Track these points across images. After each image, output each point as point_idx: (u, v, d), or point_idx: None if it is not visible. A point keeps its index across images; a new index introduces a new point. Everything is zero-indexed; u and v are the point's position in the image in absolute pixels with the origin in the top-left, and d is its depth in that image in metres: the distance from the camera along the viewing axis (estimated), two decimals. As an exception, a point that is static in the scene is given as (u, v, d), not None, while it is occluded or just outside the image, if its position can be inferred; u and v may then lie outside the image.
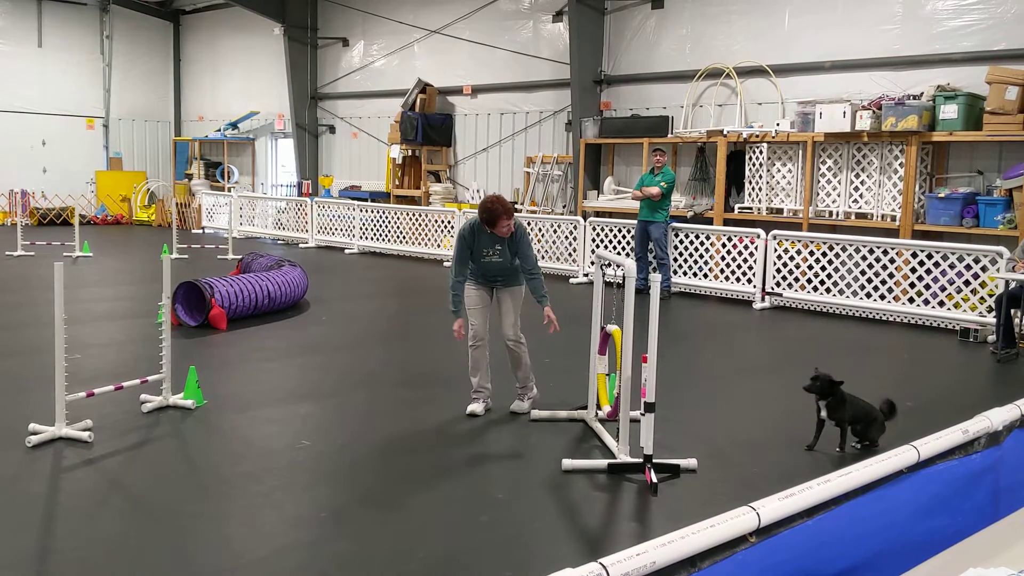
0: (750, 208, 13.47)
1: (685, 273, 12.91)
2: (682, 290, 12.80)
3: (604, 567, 1.92)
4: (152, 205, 23.24)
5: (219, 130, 23.56)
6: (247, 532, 4.40)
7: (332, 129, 21.94)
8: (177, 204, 21.01)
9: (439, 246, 16.36)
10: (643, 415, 5.19)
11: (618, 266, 5.51)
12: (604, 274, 6.16)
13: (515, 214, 6.50)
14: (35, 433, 5.55)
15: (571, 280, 14.07)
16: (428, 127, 18.53)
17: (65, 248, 15.83)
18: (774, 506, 2.54)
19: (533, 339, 9.33)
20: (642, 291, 5.30)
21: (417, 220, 16.80)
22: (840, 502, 2.71)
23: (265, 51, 22.65)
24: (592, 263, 13.82)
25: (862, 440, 5.93)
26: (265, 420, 6.29)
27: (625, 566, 1.94)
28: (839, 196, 12.61)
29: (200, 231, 20.89)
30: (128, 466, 5.23)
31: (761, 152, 13.27)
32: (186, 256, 15.67)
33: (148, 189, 23.86)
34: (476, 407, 6.53)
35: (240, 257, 13.27)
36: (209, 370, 7.46)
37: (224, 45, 24.32)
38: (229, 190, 22.58)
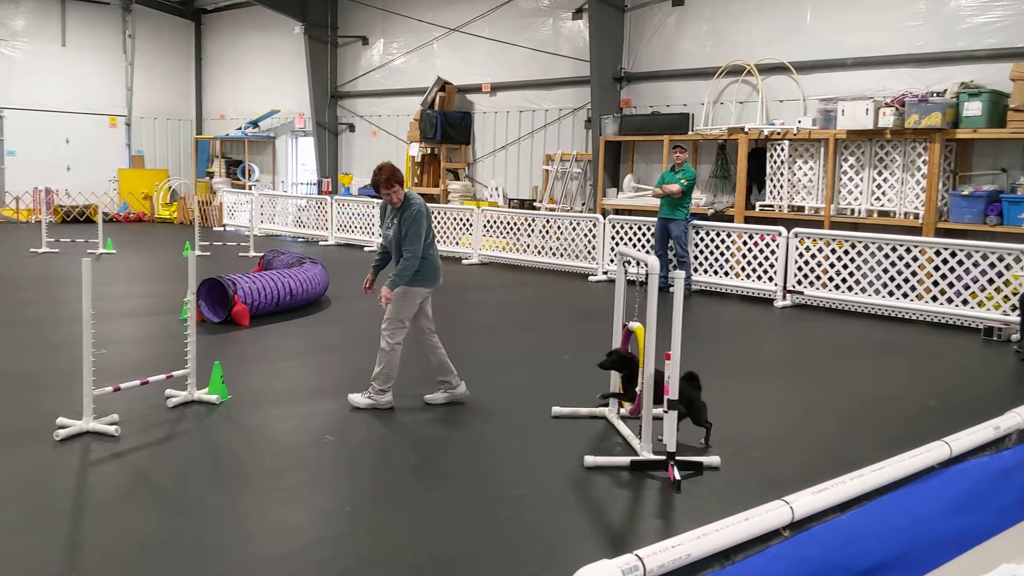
0: (771, 206, 13.40)
1: (705, 271, 12.87)
2: (702, 288, 12.76)
3: (640, 558, 1.93)
4: (174, 203, 23.40)
5: (240, 128, 23.68)
6: (272, 527, 4.43)
7: (352, 127, 22.01)
8: (199, 202, 21.16)
9: (457, 244, 16.38)
10: (666, 412, 5.18)
11: (641, 263, 5.50)
12: (626, 271, 6.15)
13: (406, 190, 6.34)
14: (63, 427, 5.61)
15: (590, 278, 14.06)
16: (447, 125, 18.56)
17: (89, 245, 15.97)
18: (807, 500, 2.54)
19: (550, 334, 9.32)
20: (662, 289, 5.29)
21: (436, 218, 16.82)
22: (872, 497, 2.70)
23: (286, 50, 22.75)
24: (612, 260, 13.83)
25: (698, 425, 5.84)
26: (288, 416, 6.33)
27: (660, 558, 1.95)
28: (861, 194, 12.53)
29: (221, 228, 21.02)
30: (154, 460, 5.27)
31: (783, 149, 13.21)
32: (208, 253, 15.77)
33: (170, 187, 24.02)
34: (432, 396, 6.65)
35: (262, 254, 13.34)
36: (232, 366, 7.51)
37: (245, 44, 24.45)
38: (250, 188, 22.69)
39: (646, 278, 5.36)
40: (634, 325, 5.74)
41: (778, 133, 13.22)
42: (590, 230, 14.45)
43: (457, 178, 19.11)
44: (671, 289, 5.16)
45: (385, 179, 6.28)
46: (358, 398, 6.53)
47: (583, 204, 16.59)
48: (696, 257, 12.90)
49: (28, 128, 22.81)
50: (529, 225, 15.43)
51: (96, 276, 5.65)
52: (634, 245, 13.76)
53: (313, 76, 21.59)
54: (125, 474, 5.03)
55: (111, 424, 5.69)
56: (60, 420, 5.69)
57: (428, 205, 6.60)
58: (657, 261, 5.35)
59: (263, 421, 6.18)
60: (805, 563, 1.98)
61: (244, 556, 4.08)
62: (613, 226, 14.06)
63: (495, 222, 15.88)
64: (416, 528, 4.42)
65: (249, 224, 17.76)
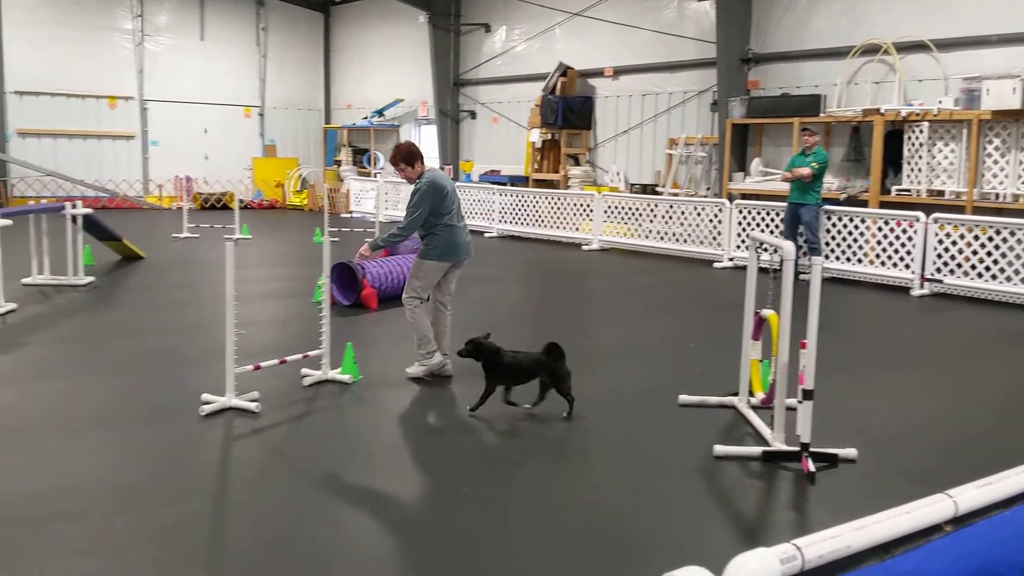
0: (908, 190, 12.82)
1: (837, 258, 12.42)
2: (833, 276, 12.32)
3: (798, 548, 1.87)
4: (304, 190, 24.20)
5: (366, 118, 24.27)
6: (399, 499, 4.54)
7: (473, 114, 22.24)
8: (327, 189, 21.82)
9: (577, 230, 16.33)
10: (801, 402, 5.03)
11: (775, 249, 5.35)
12: (759, 257, 5.99)
13: (429, 167, 6.62)
14: (207, 403, 5.89)
15: (715, 264, 13.79)
16: (568, 110, 18.51)
17: (226, 231, 16.70)
18: (972, 494, 2.42)
19: (675, 322, 9.22)
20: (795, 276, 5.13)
21: (556, 204, 16.82)
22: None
23: (410, 39, 23.16)
24: (739, 247, 13.52)
25: (562, 395, 5.91)
26: (415, 396, 6.46)
27: (819, 548, 1.89)
28: (1007, 177, 11.84)
29: (348, 215, 21.61)
30: (291, 436, 5.48)
31: (921, 131, 12.60)
32: (337, 239, 16.24)
33: (300, 175, 24.85)
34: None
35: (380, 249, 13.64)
36: (362, 347, 7.72)
37: (371, 34, 25.02)
38: (375, 176, 23.25)
39: (780, 264, 5.20)
40: (767, 312, 5.59)
41: (916, 114, 12.62)
42: (715, 215, 14.16)
43: (578, 163, 19.04)
44: (801, 277, 5.00)
45: (399, 157, 6.62)
46: (412, 369, 6.83)
47: (708, 189, 16.27)
48: (827, 243, 12.46)
49: (170, 119, 24.01)
50: (651, 210, 15.24)
51: (234, 260, 5.89)
52: (762, 231, 13.40)
53: (436, 64, 21.90)
54: (265, 449, 5.24)
55: (252, 401, 5.95)
56: (204, 396, 5.98)
57: (452, 182, 6.91)
58: (793, 246, 5.19)
59: (392, 401, 6.33)
60: (968, 559, 1.88)
61: (376, 529, 4.19)
62: (740, 211, 13.74)
63: (616, 208, 15.76)
64: (540, 511, 4.44)
65: (374, 210, 18.20)
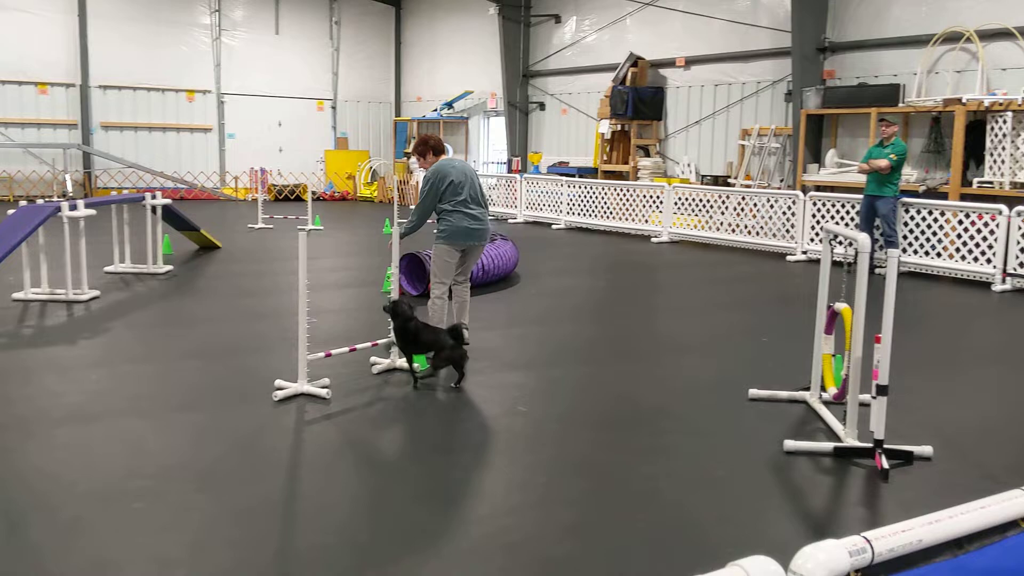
0: (990, 183, 12.40)
1: (915, 252, 12.08)
2: (911, 270, 12.00)
3: (868, 541, 1.84)
4: (374, 182, 24.52)
5: (436, 110, 24.45)
6: (470, 491, 4.58)
7: (542, 106, 22.21)
8: (397, 181, 22.06)
9: (647, 221, 16.20)
10: (874, 398, 4.92)
11: (849, 241, 5.23)
12: (832, 250, 5.86)
13: (444, 158, 7.12)
14: (280, 388, 6.03)
15: (788, 258, 13.55)
16: (639, 101, 18.36)
17: (299, 222, 17.02)
18: (1050, 492, 2.33)
19: (747, 315, 9.13)
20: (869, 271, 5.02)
21: (625, 195, 16.71)
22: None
23: (480, 31, 23.24)
24: (812, 240, 13.25)
25: (435, 367, 6.39)
26: (482, 385, 6.50)
27: (890, 542, 1.85)
28: (1099, 168, 11.35)
29: (417, 206, 21.79)
30: (361, 423, 5.57)
31: (1005, 122, 12.17)
32: (398, 229, 16.40)
33: (371, 167, 25.18)
34: None
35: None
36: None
37: (441, 27, 25.17)
38: (444, 167, 23.38)
39: (855, 257, 5.09)
40: (840, 306, 5.47)
41: (1000, 104, 12.19)
42: (789, 207, 13.90)
43: (647, 155, 18.88)
44: (877, 270, 4.89)
45: (414, 151, 7.21)
46: None
47: (781, 180, 15.98)
48: (905, 237, 12.14)
49: (245, 112, 24.55)
50: (723, 202, 15.04)
51: (307, 250, 6.01)
52: (836, 224, 13.12)
53: (506, 56, 21.93)
54: (335, 434, 5.34)
55: (323, 388, 6.06)
56: (277, 382, 6.12)
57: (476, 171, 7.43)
58: (868, 238, 5.06)
59: (459, 390, 6.38)
60: (1046, 559, 1.82)
61: (444, 518, 4.23)
62: (814, 203, 13.46)
63: (686, 199, 15.59)
64: (612, 503, 4.44)
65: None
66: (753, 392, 6.21)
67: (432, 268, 7.15)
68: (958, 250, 11.69)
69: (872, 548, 1.85)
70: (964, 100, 12.56)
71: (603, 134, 19.17)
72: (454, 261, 7.11)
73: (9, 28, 21.32)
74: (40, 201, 9.77)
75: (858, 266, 5.04)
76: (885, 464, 4.80)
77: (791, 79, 15.56)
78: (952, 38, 13.43)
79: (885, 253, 11.38)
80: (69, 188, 20.89)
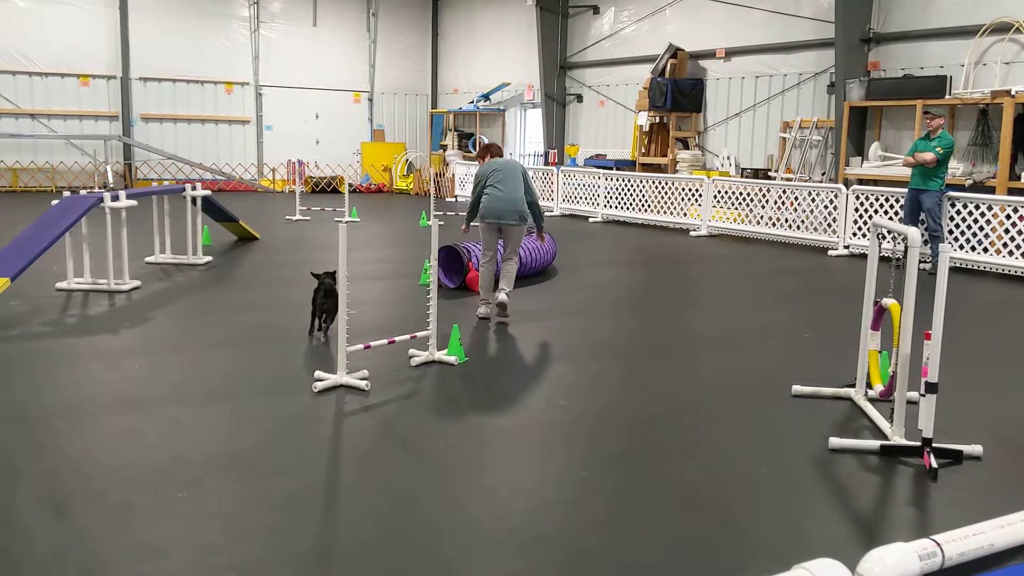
0: (1040, 176, 12.11)
1: (961, 247, 11.84)
2: (957, 265, 11.76)
3: (938, 544, 1.77)
4: (410, 174, 24.55)
5: (472, 102, 24.42)
6: (509, 484, 4.54)
7: (580, 98, 22.09)
8: (433, 173, 22.07)
9: (685, 215, 16.05)
10: (923, 396, 4.81)
11: (899, 236, 5.11)
12: (880, 244, 5.74)
13: (492, 159, 8.64)
14: (320, 379, 6.03)
15: (830, 252, 13.35)
16: (678, 93, 18.19)
17: (336, 214, 17.08)
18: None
19: (789, 310, 9.04)
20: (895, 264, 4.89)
21: (663, 188, 16.57)
22: None
23: (517, 23, 23.15)
24: (854, 235, 13.04)
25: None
26: (521, 379, 6.46)
27: (960, 545, 1.78)
28: None
29: (453, 199, 21.82)
30: (400, 415, 5.55)
31: (1056, 114, 11.87)
32: (442, 223, 16.38)
33: (407, 159, 25.22)
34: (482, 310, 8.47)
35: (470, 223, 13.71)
36: (467, 329, 7.80)
37: (478, 18, 25.12)
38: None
39: (904, 252, 4.97)
40: (888, 302, 5.35)
41: (1052, 96, 11.89)
42: (831, 201, 13.69)
43: (687, 147, 18.70)
44: (921, 265, 4.77)
45: (476, 154, 9.12)
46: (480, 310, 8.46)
47: (823, 174, 15.75)
48: (951, 231, 11.90)
49: (283, 104, 24.70)
50: (763, 196, 14.86)
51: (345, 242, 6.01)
52: (881, 218, 12.89)
53: (543, 48, 21.83)
54: (375, 426, 5.33)
55: (362, 379, 6.06)
56: (317, 374, 6.12)
57: (523, 165, 9.08)
58: (918, 233, 4.95)
59: (498, 383, 6.35)
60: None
61: (483, 510, 4.20)
62: (857, 197, 13.25)
63: (726, 192, 15.42)
64: (653, 499, 4.38)
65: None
66: (796, 388, 6.11)
67: (481, 245, 8.57)
68: (1005, 245, 11.44)
69: (943, 552, 1.78)
70: (1013, 92, 12.27)
71: (641, 126, 19.02)
72: (492, 236, 8.39)
73: (52, 21, 21.63)
74: (83, 192, 9.87)
75: (908, 261, 4.92)
76: (934, 463, 4.69)
77: (834, 71, 15.32)
78: (1001, 29, 13.12)
79: (930, 248, 11.16)
80: (110, 179, 21.17)
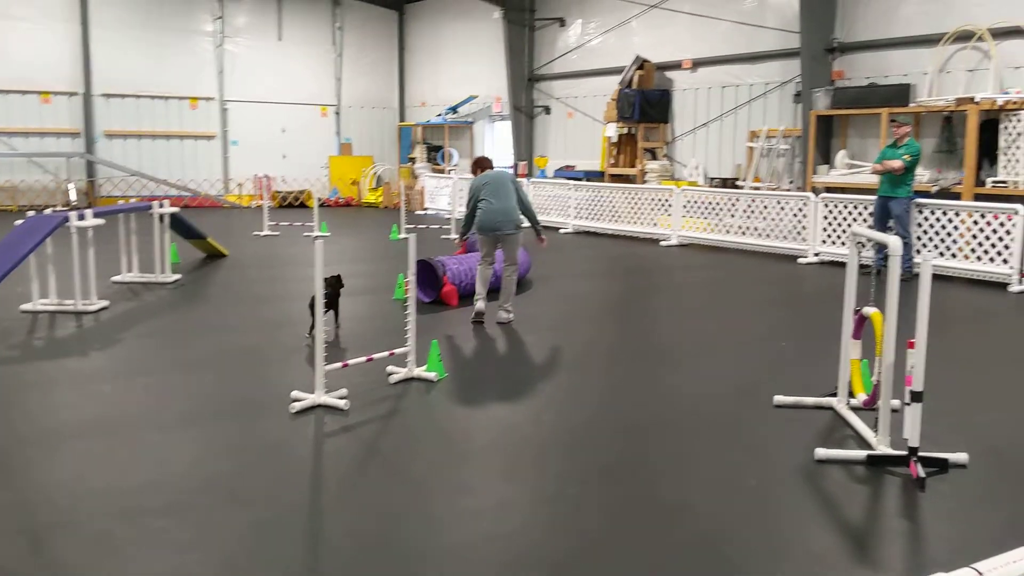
0: (1004, 182, 12.28)
1: (929, 252, 11.94)
2: (925, 271, 11.87)
3: (979, 572, 1.73)
4: (379, 188, 24.42)
5: (440, 115, 24.36)
6: (497, 504, 4.47)
7: (548, 110, 22.12)
8: (403, 186, 21.97)
9: (655, 225, 16.10)
10: (908, 404, 4.81)
11: (874, 245, 5.13)
12: (860, 253, 5.76)
13: (485, 171, 9.11)
14: (297, 400, 5.92)
15: (799, 260, 13.44)
16: (645, 103, 18.26)
17: (305, 229, 16.92)
18: None
19: (763, 319, 9.06)
20: (880, 273, 4.90)
21: (633, 198, 16.61)
22: None
23: (484, 35, 23.15)
24: (824, 241, 13.13)
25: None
26: (502, 394, 6.40)
27: (1000, 573, 1.74)
28: (1115, 167, 11.24)
29: (423, 212, 21.72)
30: (382, 434, 5.46)
31: (1019, 121, 12.05)
32: (408, 236, 16.29)
33: (375, 173, 25.08)
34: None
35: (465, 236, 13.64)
36: (445, 344, 7.71)
37: (445, 31, 25.08)
38: (449, 173, 23.32)
39: (885, 260, 4.98)
40: (870, 311, 5.36)
41: (1014, 103, 12.08)
42: (800, 209, 13.80)
43: (655, 157, 18.77)
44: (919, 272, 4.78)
45: (471, 168, 9.53)
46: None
47: (791, 182, 15.87)
48: (919, 238, 12.02)
49: (249, 119, 24.45)
50: (732, 205, 14.93)
51: (312, 257, 5.92)
52: (849, 225, 13.01)
53: (511, 60, 21.84)
54: (356, 446, 5.23)
55: (341, 399, 5.95)
56: (294, 394, 6.01)
57: (519, 178, 9.70)
58: (900, 242, 4.97)
59: (479, 398, 6.28)
60: None
61: (474, 533, 4.13)
62: (825, 205, 13.36)
63: (695, 202, 15.48)
64: (643, 514, 4.33)
65: (449, 207, 18.23)
66: (778, 399, 6.10)
67: (480, 251, 9.10)
68: (973, 251, 11.58)
69: (985, 581, 1.75)
70: (977, 99, 12.45)
71: (610, 137, 19.06)
72: (491, 246, 8.83)
73: (10, 37, 21.24)
74: (48, 211, 9.67)
75: (890, 269, 4.94)
76: (921, 473, 4.70)
77: (800, 80, 15.46)
78: (963, 37, 13.33)
79: (902, 255, 11.25)
80: (73, 197, 20.82)
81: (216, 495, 4.48)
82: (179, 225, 12.24)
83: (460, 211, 19.50)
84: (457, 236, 9.32)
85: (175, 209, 11.45)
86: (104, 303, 9.38)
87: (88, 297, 9.28)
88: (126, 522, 4.13)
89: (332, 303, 8.07)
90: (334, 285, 8.06)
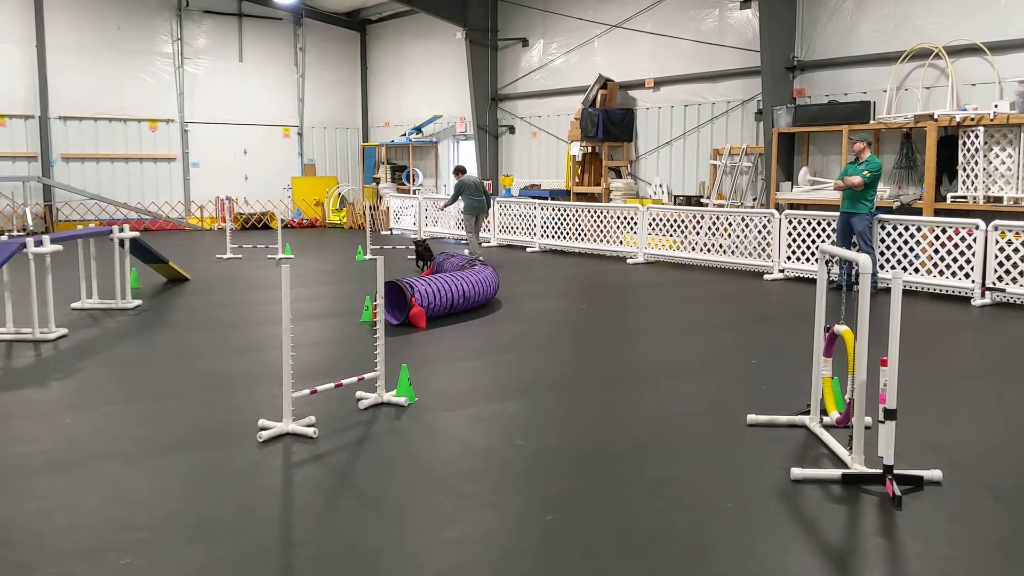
0: (964, 197, 12.49)
1: (892, 267, 12.12)
2: (888, 286, 11.99)
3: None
4: (343, 208, 24.26)
5: (404, 135, 24.31)
6: (473, 533, 4.38)
7: (512, 129, 22.16)
8: (368, 207, 21.85)
9: (621, 243, 16.14)
10: (883, 422, 4.81)
11: (843, 263, 5.14)
12: (829, 271, 5.78)
13: (466, 175, 15.45)
14: (265, 428, 5.79)
15: (765, 276, 13.53)
16: (609, 123, 18.36)
17: (268, 251, 16.72)
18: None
19: (731, 337, 9.09)
20: (848, 287, 4.90)
21: (598, 217, 16.66)
22: None
23: (447, 55, 23.17)
24: (789, 258, 13.24)
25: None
26: (475, 418, 6.32)
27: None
28: (1070, 181, 11.47)
29: (388, 232, 21.60)
30: (353, 462, 5.35)
31: (977, 136, 12.28)
32: (380, 257, 16.19)
33: (339, 193, 24.93)
34: None
35: (427, 262, 13.63)
36: (414, 367, 7.61)
37: (408, 52, 25.08)
38: (414, 192, 23.24)
39: (855, 277, 5.00)
40: (841, 328, 5.37)
41: (971, 119, 12.30)
42: (764, 226, 13.91)
43: (619, 176, 18.87)
44: (856, 288, 4.80)
45: (455, 172, 15.58)
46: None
47: (754, 199, 16.02)
48: (882, 253, 12.17)
49: (210, 141, 24.24)
50: (697, 222, 15.02)
51: (277, 280, 5.80)
52: (813, 241, 13.14)
53: (474, 80, 21.87)
54: (327, 476, 5.12)
55: (309, 426, 5.84)
56: (262, 422, 5.88)
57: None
58: (869, 259, 4.98)
59: (451, 423, 6.19)
60: None
61: (451, 564, 4.04)
62: (789, 221, 13.48)
63: (660, 220, 15.56)
64: (619, 540, 4.27)
65: (414, 227, 18.15)
66: (751, 418, 6.09)
67: (464, 225, 15.32)
68: (935, 265, 11.73)
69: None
70: (936, 116, 12.66)
71: (574, 156, 19.14)
72: (472, 221, 15.17)
73: (-35, 59, 20.87)
74: (4, 237, 9.43)
75: (861, 286, 4.95)
76: (897, 491, 4.69)
77: (761, 98, 15.64)
78: (921, 55, 13.57)
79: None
80: (30, 222, 20.42)
81: (183, 531, 4.34)
82: (140, 249, 12.03)
83: (427, 231, 19.59)
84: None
85: (135, 233, 11.25)
86: (63, 331, 9.16)
87: (46, 325, 9.06)
88: (89, 562, 3.98)
89: (425, 256, 13.55)
90: (422, 244, 13.83)
